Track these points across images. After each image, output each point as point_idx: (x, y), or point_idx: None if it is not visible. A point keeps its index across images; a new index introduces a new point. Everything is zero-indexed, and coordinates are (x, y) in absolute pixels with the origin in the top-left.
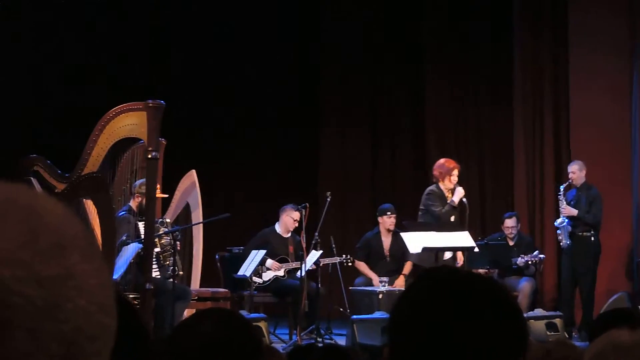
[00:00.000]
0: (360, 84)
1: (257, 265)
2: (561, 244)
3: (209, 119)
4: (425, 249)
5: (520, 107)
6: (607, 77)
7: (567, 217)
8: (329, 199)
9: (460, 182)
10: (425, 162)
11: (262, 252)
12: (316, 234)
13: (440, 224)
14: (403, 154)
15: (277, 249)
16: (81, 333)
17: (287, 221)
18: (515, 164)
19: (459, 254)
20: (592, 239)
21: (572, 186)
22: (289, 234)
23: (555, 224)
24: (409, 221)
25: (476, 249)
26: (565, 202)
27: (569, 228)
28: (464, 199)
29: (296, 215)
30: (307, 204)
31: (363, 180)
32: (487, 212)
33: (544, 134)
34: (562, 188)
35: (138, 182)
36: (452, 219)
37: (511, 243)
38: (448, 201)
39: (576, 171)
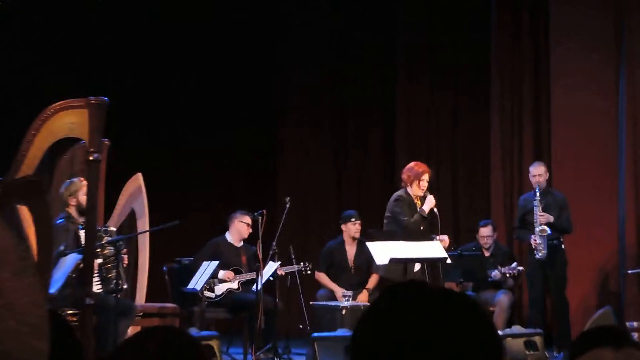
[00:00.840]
0: (324, 82)
1: (209, 278)
2: (539, 254)
3: (158, 118)
4: (392, 260)
5: (497, 105)
6: (592, 74)
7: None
8: (288, 205)
9: (432, 187)
10: (395, 166)
11: (215, 264)
12: (274, 243)
13: (409, 233)
14: (371, 156)
15: (229, 260)
16: (10, 358)
17: (240, 228)
18: (492, 168)
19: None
20: (562, 246)
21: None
22: (241, 243)
23: (536, 231)
24: (376, 229)
25: (448, 260)
26: (541, 208)
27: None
28: (435, 209)
29: (247, 219)
30: (264, 211)
31: (326, 185)
32: (461, 220)
33: (523, 135)
34: (538, 192)
35: (65, 184)
36: (421, 228)
37: (487, 254)
38: (418, 209)
39: (543, 173)
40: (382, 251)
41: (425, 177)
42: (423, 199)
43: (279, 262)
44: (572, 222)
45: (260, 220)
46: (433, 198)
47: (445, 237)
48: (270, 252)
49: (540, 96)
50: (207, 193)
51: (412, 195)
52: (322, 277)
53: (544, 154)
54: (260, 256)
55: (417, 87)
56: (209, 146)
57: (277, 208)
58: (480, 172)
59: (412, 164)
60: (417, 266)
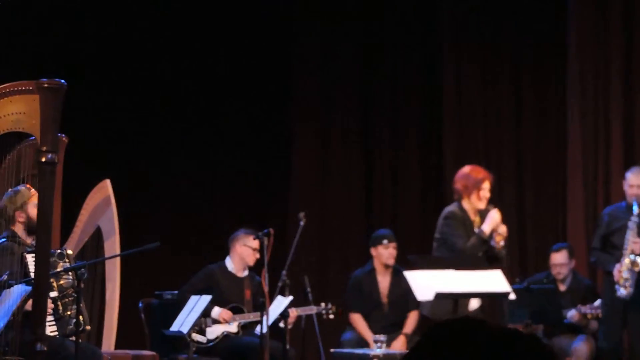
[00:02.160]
0: (351, 68)
1: (199, 317)
2: (622, 292)
3: (134, 108)
4: (439, 295)
5: (577, 102)
6: None
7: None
8: (302, 223)
9: (491, 201)
10: (441, 174)
11: (207, 299)
12: (284, 272)
13: (461, 260)
14: (409, 163)
15: (227, 294)
16: None
17: (243, 253)
18: (569, 179)
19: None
20: None
21: (630, 203)
22: (246, 272)
23: (623, 261)
24: (417, 255)
25: (512, 296)
26: (637, 231)
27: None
28: (501, 230)
29: (255, 243)
30: (271, 230)
31: (352, 198)
32: (529, 243)
33: (611, 133)
34: (637, 208)
35: (8, 194)
36: (480, 254)
37: (562, 287)
38: (475, 227)
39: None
40: (426, 283)
41: (486, 185)
42: (483, 214)
43: (291, 297)
44: None
45: (265, 242)
46: (497, 213)
47: (503, 227)
48: (280, 284)
49: (633, 83)
50: (197, 207)
51: (468, 211)
52: (358, 320)
53: (636, 160)
54: (266, 289)
55: (469, 77)
56: (201, 145)
57: (288, 227)
58: (554, 181)
59: (467, 169)
60: (474, 303)
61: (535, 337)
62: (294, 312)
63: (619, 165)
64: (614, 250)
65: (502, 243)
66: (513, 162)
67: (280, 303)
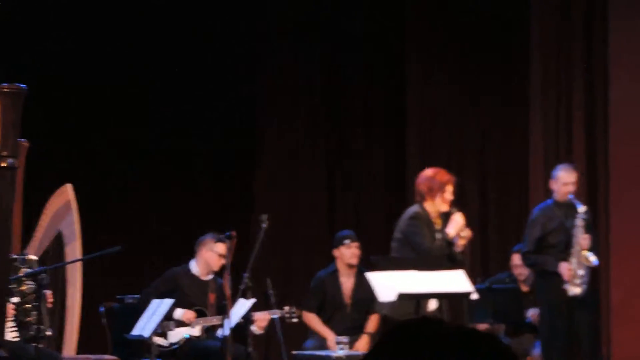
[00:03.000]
0: (313, 72)
1: (162, 321)
2: (574, 290)
3: (91, 111)
4: (401, 296)
5: (538, 99)
6: None
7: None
8: (264, 225)
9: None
10: (404, 176)
11: (169, 302)
12: (246, 274)
13: (424, 260)
14: (372, 164)
15: (191, 297)
16: None
17: (209, 258)
18: (531, 179)
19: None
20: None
21: (563, 201)
22: (210, 276)
23: (574, 259)
24: (379, 256)
25: (475, 296)
26: (583, 230)
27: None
28: (464, 233)
29: (221, 249)
30: (234, 232)
31: (315, 200)
32: (491, 244)
33: (573, 135)
34: (580, 206)
35: None
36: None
37: (524, 288)
38: (437, 228)
39: (576, 180)
40: (388, 283)
41: (449, 187)
42: (445, 217)
43: (253, 300)
44: None
45: (228, 245)
46: (461, 217)
47: (468, 232)
48: (242, 287)
49: (595, 83)
50: (160, 209)
51: (430, 212)
52: (313, 320)
53: (598, 161)
54: (228, 292)
55: (433, 77)
56: (163, 146)
57: (252, 229)
58: (517, 180)
59: (430, 172)
60: (432, 304)
61: (494, 336)
62: (266, 316)
63: (582, 164)
64: (551, 250)
65: (463, 246)
66: (476, 162)
67: (242, 306)
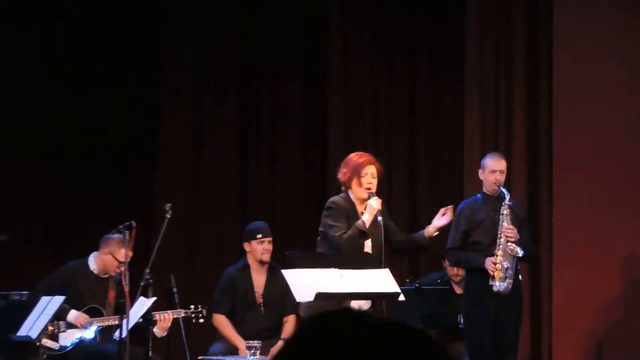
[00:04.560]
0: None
1: (51, 321)
2: (501, 285)
3: None
4: (320, 296)
5: (474, 80)
6: (607, 33)
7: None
8: (168, 216)
9: (381, 193)
10: (326, 161)
11: (59, 299)
12: (147, 270)
13: (345, 257)
14: (289, 149)
15: (87, 295)
16: None
17: (108, 262)
18: (465, 167)
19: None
20: (520, 278)
21: (492, 193)
22: (108, 275)
23: (499, 250)
24: (296, 252)
25: (402, 297)
26: (510, 219)
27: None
28: (380, 218)
29: (122, 255)
30: (133, 223)
31: (225, 187)
32: None
33: (513, 122)
34: (507, 196)
35: None
36: (370, 249)
37: (458, 290)
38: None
39: (505, 170)
40: (305, 282)
41: (370, 170)
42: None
43: (154, 298)
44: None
45: (126, 237)
46: (377, 201)
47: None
48: (142, 283)
49: (538, 67)
50: (52, 196)
51: (355, 201)
52: (223, 323)
53: (541, 147)
54: (127, 288)
55: (358, 54)
56: (61, 134)
57: (153, 220)
58: (449, 172)
59: (351, 155)
60: (357, 305)
61: (423, 330)
62: (169, 316)
63: (521, 158)
64: (476, 246)
65: (435, 234)
66: (405, 149)
67: (142, 305)
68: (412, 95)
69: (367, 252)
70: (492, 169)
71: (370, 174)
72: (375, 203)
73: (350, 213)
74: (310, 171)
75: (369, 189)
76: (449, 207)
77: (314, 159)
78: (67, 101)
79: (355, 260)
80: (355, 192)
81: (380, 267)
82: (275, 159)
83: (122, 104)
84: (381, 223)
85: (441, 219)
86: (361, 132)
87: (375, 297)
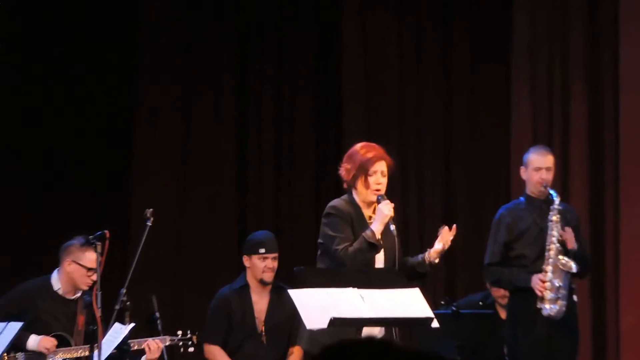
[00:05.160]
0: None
1: (7, 350)
2: (552, 308)
3: None
4: (334, 322)
5: (522, 65)
6: None
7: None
8: (149, 224)
9: (405, 193)
10: (341, 157)
11: (15, 326)
12: (123, 290)
13: (366, 273)
14: (298, 143)
15: (50, 321)
16: None
17: (74, 273)
18: (513, 175)
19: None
20: (575, 297)
21: (538, 195)
22: (78, 293)
23: (549, 267)
24: (306, 267)
25: (436, 324)
26: (560, 226)
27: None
28: (392, 226)
29: (90, 259)
30: (107, 232)
31: (221, 191)
32: (460, 253)
33: (571, 114)
34: (556, 199)
35: None
36: (380, 266)
37: (504, 314)
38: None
39: (552, 167)
40: (317, 305)
41: (379, 167)
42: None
43: (132, 325)
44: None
45: (99, 249)
46: (389, 205)
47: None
48: (117, 307)
49: (601, 52)
50: (15, 202)
51: (361, 204)
52: (217, 355)
53: (605, 141)
54: (99, 313)
55: (378, 31)
56: (21, 126)
57: (130, 229)
58: (493, 167)
59: (356, 147)
60: (379, 333)
61: None
62: (158, 344)
63: (579, 153)
64: (520, 261)
65: (436, 260)
66: (438, 144)
67: (117, 332)
68: (447, 90)
69: (387, 267)
70: (537, 165)
71: (379, 172)
72: (386, 208)
73: (356, 220)
74: (323, 170)
75: (378, 190)
76: (444, 227)
77: (327, 156)
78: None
79: (379, 277)
80: (361, 194)
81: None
82: (280, 155)
83: (95, 103)
84: (395, 232)
85: (438, 243)
86: (384, 127)
87: (403, 324)
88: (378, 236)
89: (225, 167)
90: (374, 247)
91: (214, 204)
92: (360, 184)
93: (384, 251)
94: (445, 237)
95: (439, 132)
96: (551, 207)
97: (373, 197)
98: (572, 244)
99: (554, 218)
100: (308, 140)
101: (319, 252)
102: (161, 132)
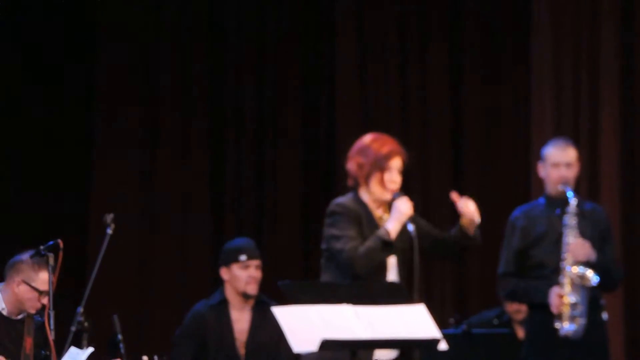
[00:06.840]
0: None
1: None
2: (570, 327)
3: None
4: (326, 345)
5: (544, 60)
6: None
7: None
8: (109, 231)
9: (411, 187)
10: (333, 150)
11: None
12: (80, 309)
13: (362, 286)
14: (281, 136)
15: None
16: None
17: (23, 294)
18: (534, 177)
19: None
20: (604, 315)
21: (558, 195)
22: (24, 314)
23: (564, 278)
24: (291, 281)
25: (444, 345)
26: (577, 232)
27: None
28: (411, 227)
29: (44, 281)
30: (60, 242)
31: (195, 194)
32: (473, 262)
33: (599, 105)
34: (574, 200)
35: None
36: (392, 273)
37: (522, 333)
38: (381, 226)
39: (574, 163)
40: (305, 325)
41: (396, 163)
42: (389, 206)
43: (91, 349)
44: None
45: (50, 262)
46: (407, 203)
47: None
48: (73, 328)
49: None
50: None
51: (369, 203)
52: None
53: (636, 136)
54: (51, 335)
55: (375, 14)
56: None
57: (87, 237)
58: (512, 169)
59: (367, 139)
60: (384, 356)
61: None
62: None
63: (610, 142)
64: (539, 270)
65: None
66: (446, 131)
67: (73, 357)
68: (457, 72)
69: (393, 281)
70: (555, 161)
71: (395, 169)
72: (405, 206)
73: (365, 219)
74: (312, 170)
75: (394, 189)
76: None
77: (316, 154)
78: None
79: (376, 291)
80: (375, 192)
81: (412, 300)
82: (263, 153)
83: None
84: (413, 234)
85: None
86: (383, 115)
87: (405, 345)
88: (394, 236)
89: (200, 170)
90: (387, 247)
91: (186, 210)
92: (375, 182)
93: (397, 255)
94: (464, 209)
95: (446, 116)
96: (566, 209)
97: (388, 196)
98: (583, 256)
99: (570, 222)
100: (294, 137)
101: (322, 260)
102: (124, 123)
